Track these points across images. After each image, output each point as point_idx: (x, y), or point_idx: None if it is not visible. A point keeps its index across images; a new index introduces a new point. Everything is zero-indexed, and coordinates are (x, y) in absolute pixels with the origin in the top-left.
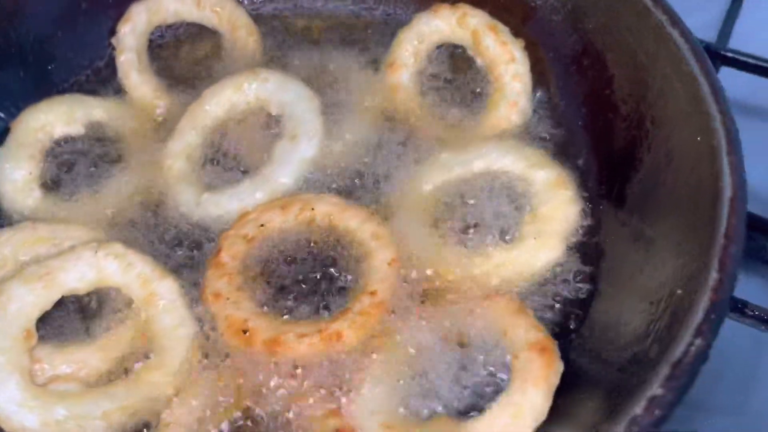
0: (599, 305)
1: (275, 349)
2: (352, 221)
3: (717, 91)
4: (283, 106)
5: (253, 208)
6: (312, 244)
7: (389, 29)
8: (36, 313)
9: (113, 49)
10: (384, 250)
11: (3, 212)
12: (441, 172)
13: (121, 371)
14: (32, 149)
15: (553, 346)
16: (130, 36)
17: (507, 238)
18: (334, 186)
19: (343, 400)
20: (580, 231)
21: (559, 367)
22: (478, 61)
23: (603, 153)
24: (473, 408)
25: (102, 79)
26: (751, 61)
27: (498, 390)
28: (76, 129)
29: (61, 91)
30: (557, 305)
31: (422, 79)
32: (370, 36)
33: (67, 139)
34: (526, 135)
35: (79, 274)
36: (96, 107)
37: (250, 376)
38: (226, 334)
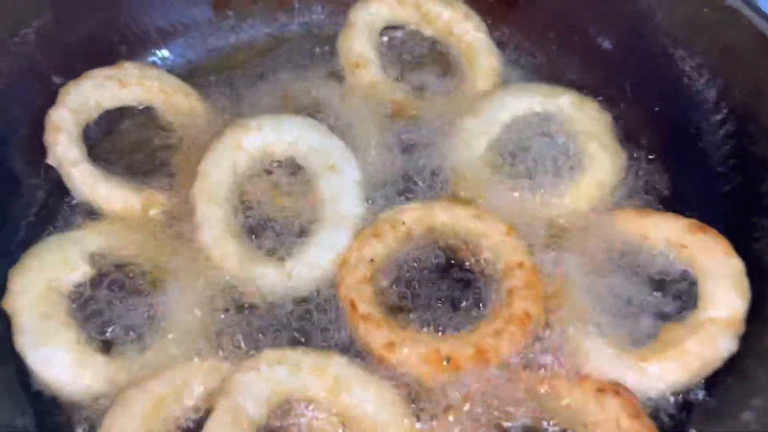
0: None
1: (485, 358)
2: (443, 215)
3: None
4: (293, 145)
5: (347, 250)
6: (424, 254)
7: (314, 38)
8: None
9: (46, 171)
10: (493, 225)
11: (72, 403)
12: (479, 138)
13: None
14: (57, 315)
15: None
16: (69, 146)
17: (572, 165)
18: (397, 195)
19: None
20: None
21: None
22: (428, 31)
23: None
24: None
25: (50, 211)
26: None
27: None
28: (82, 271)
29: (25, 242)
30: None
31: (386, 68)
32: (303, 48)
33: (82, 287)
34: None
35: (255, 399)
36: (85, 239)
37: (487, 399)
38: (429, 373)
